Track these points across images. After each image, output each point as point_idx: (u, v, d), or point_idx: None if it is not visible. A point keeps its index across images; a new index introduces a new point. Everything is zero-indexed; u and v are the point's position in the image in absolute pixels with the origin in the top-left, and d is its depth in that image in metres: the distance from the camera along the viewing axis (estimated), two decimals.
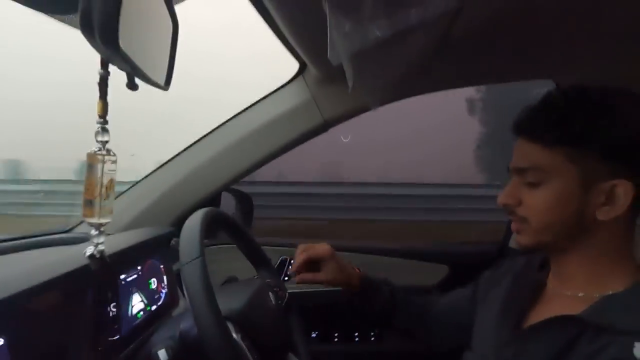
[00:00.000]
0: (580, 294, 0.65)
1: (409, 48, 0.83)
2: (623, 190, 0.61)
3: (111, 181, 0.45)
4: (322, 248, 0.96)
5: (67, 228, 1.21)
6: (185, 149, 1.18)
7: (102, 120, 0.43)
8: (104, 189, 0.44)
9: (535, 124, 0.66)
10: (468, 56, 1.05)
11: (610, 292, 0.62)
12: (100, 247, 0.49)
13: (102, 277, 0.51)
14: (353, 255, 1.38)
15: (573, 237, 0.65)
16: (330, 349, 1.34)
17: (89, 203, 0.44)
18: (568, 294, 0.67)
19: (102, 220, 0.46)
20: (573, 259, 0.67)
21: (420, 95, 1.16)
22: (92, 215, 0.45)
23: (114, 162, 0.45)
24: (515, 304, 0.73)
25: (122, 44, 0.32)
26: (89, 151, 0.44)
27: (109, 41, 0.31)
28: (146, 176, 1.18)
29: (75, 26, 0.37)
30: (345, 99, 1.09)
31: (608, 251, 0.64)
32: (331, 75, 1.06)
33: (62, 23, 0.40)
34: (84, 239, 1.03)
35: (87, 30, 0.31)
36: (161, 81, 0.45)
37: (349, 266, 0.99)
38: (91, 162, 0.44)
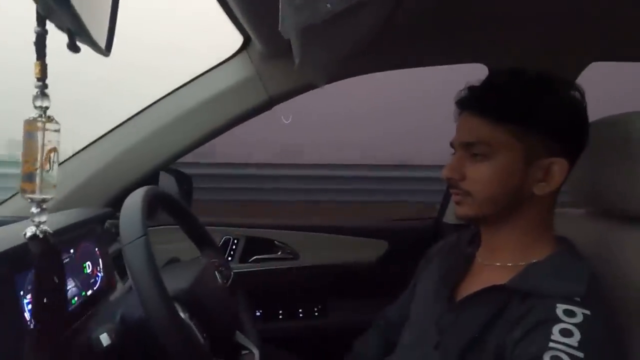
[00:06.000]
0: (509, 264, 0.70)
1: (356, 26, 0.84)
2: (559, 168, 0.66)
3: (54, 151, 0.41)
4: None
5: None
6: (120, 124, 1.10)
7: (40, 83, 0.38)
8: (46, 161, 0.40)
9: (484, 101, 0.68)
10: (409, 39, 1.09)
11: (534, 261, 0.68)
12: (43, 227, 0.44)
13: (46, 261, 0.46)
14: (294, 233, 1.39)
15: (509, 210, 0.69)
16: (276, 326, 1.36)
17: (28, 176, 0.39)
18: (497, 265, 0.72)
19: (45, 196, 0.42)
20: (504, 231, 0.71)
21: (364, 74, 1.18)
22: (32, 190, 0.41)
23: (57, 130, 0.41)
24: (449, 277, 0.77)
25: None
26: (26, 118, 0.39)
27: None
28: (77, 152, 1.09)
29: None
30: (291, 75, 1.08)
31: (535, 224, 0.70)
32: (276, 51, 1.03)
33: None
34: (6, 222, 0.94)
35: None
36: (102, 44, 0.41)
37: None
38: (30, 130, 0.39)
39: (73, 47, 0.36)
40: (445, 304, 0.74)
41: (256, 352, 0.87)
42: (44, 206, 0.43)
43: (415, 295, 0.87)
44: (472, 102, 0.70)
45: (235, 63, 1.11)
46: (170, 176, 1.28)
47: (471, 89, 0.71)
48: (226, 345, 0.83)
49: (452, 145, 0.73)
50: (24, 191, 0.41)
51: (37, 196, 0.41)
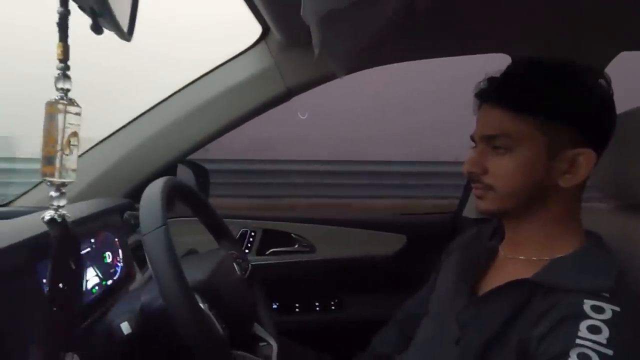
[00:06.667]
0: (534, 258, 0.68)
1: (376, 15, 0.82)
2: (585, 159, 0.64)
3: (75, 135, 0.40)
4: None
5: (4, 202, 1.11)
6: (139, 116, 1.10)
7: (63, 65, 0.37)
8: (66, 144, 0.39)
9: (505, 92, 0.67)
10: (430, 29, 1.06)
11: (560, 255, 0.65)
12: (62, 211, 0.44)
13: (63, 245, 0.46)
14: (311, 226, 1.38)
15: (533, 203, 0.67)
16: (292, 319, 1.36)
17: (48, 159, 0.39)
18: (522, 259, 0.70)
19: (64, 180, 0.42)
20: (528, 225, 0.69)
21: (384, 65, 1.16)
22: (52, 174, 0.40)
23: (78, 113, 0.40)
24: (470, 271, 0.75)
25: None
26: (48, 100, 0.39)
27: None
28: (97, 143, 1.10)
29: None
30: (309, 66, 1.06)
31: (561, 216, 0.68)
32: (295, 42, 1.02)
33: None
34: (27, 213, 0.95)
35: None
36: (125, 27, 0.40)
37: None
38: (51, 112, 0.38)
39: (96, 29, 0.36)
40: (466, 298, 0.72)
41: (274, 344, 0.87)
42: (63, 190, 0.43)
43: (434, 289, 0.85)
44: (492, 93, 0.68)
45: (253, 54, 1.10)
46: (188, 168, 1.29)
47: (491, 80, 0.69)
48: (244, 337, 0.83)
49: (472, 138, 0.72)
50: (44, 174, 0.41)
51: (57, 180, 0.41)
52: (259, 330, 0.88)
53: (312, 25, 0.71)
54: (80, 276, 0.57)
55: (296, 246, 1.37)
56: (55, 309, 0.48)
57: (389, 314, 0.99)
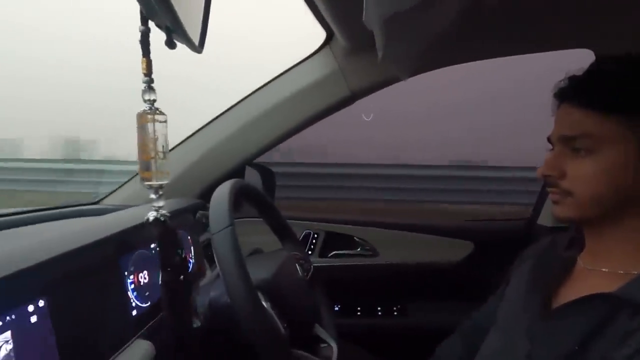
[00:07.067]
0: (620, 271, 0.62)
1: (442, 14, 0.80)
2: None
3: (164, 140, 0.45)
4: None
5: (96, 200, 1.23)
6: (210, 122, 1.17)
7: (147, 78, 0.42)
8: (158, 150, 0.44)
9: (588, 90, 0.62)
10: (502, 25, 1.01)
11: None
12: (162, 211, 0.49)
13: (166, 240, 0.52)
14: (379, 230, 1.37)
15: (619, 210, 0.62)
16: (354, 322, 1.36)
17: (145, 166, 0.44)
18: (604, 271, 0.64)
19: (161, 182, 0.46)
20: (613, 234, 0.64)
21: (451, 66, 1.12)
22: (150, 178, 0.45)
23: (165, 121, 0.45)
24: (543, 282, 0.71)
25: None
26: (138, 111, 0.43)
27: None
28: (172, 148, 1.18)
29: None
30: (373, 70, 1.06)
31: None
32: (359, 46, 1.03)
33: None
34: (114, 210, 1.05)
35: None
36: (196, 41, 0.43)
37: None
38: (142, 122, 0.43)
39: (170, 44, 0.39)
40: (538, 310, 0.68)
41: (334, 346, 0.87)
42: (161, 192, 0.47)
43: (504, 298, 0.81)
44: (575, 92, 0.64)
45: (318, 59, 1.12)
46: (255, 171, 1.34)
47: (573, 78, 0.65)
48: (305, 337, 0.84)
49: (549, 140, 0.68)
50: (143, 179, 0.45)
51: (155, 183, 0.45)
52: (319, 331, 0.89)
53: (375, 29, 0.71)
54: (186, 263, 0.62)
55: (358, 249, 1.37)
56: (169, 294, 0.54)
57: (454, 322, 0.96)
